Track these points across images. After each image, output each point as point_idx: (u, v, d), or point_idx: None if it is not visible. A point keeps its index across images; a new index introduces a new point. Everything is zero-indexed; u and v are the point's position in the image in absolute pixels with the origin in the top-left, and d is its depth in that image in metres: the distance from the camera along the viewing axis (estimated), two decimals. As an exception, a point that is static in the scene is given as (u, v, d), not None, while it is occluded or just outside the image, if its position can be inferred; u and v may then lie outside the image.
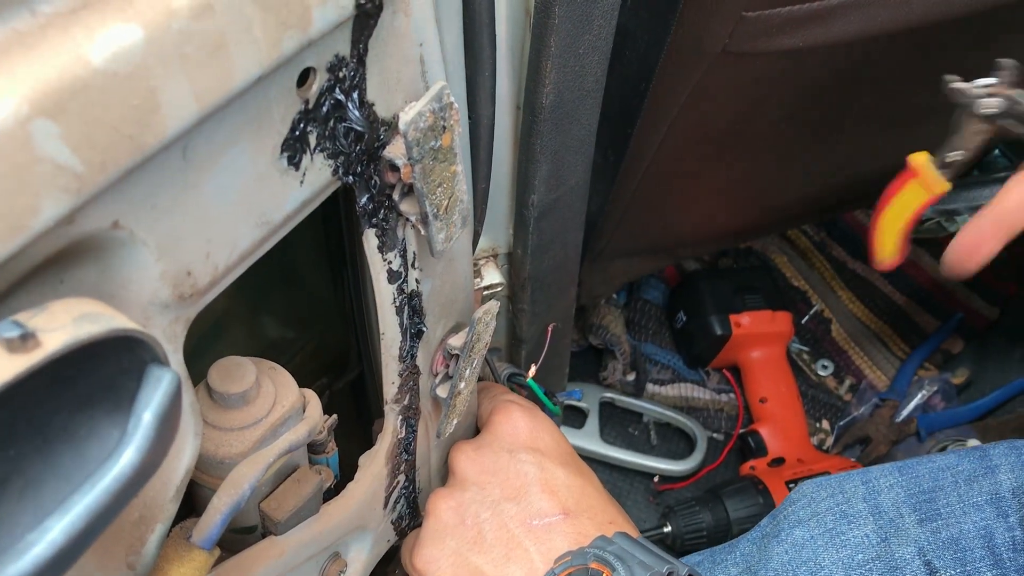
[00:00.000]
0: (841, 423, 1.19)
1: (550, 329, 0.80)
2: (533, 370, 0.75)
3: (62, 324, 0.28)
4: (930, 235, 1.02)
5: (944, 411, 1.17)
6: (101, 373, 0.31)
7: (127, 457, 0.30)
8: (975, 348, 1.24)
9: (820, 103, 0.80)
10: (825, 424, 1.20)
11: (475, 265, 0.76)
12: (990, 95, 0.56)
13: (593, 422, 1.16)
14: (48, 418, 0.31)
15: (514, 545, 0.60)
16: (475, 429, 0.71)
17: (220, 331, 0.59)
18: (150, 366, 0.31)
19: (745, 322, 1.16)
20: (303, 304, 0.69)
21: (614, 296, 1.23)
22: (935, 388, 1.18)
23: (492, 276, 0.76)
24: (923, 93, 0.83)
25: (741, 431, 1.16)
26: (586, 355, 1.22)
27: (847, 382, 1.23)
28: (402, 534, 0.67)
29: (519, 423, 0.66)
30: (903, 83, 0.80)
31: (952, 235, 1.11)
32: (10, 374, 0.26)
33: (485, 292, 0.76)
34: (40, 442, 0.31)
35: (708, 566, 0.66)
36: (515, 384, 0.78)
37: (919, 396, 1.18)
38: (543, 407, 0.74)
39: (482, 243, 0.75)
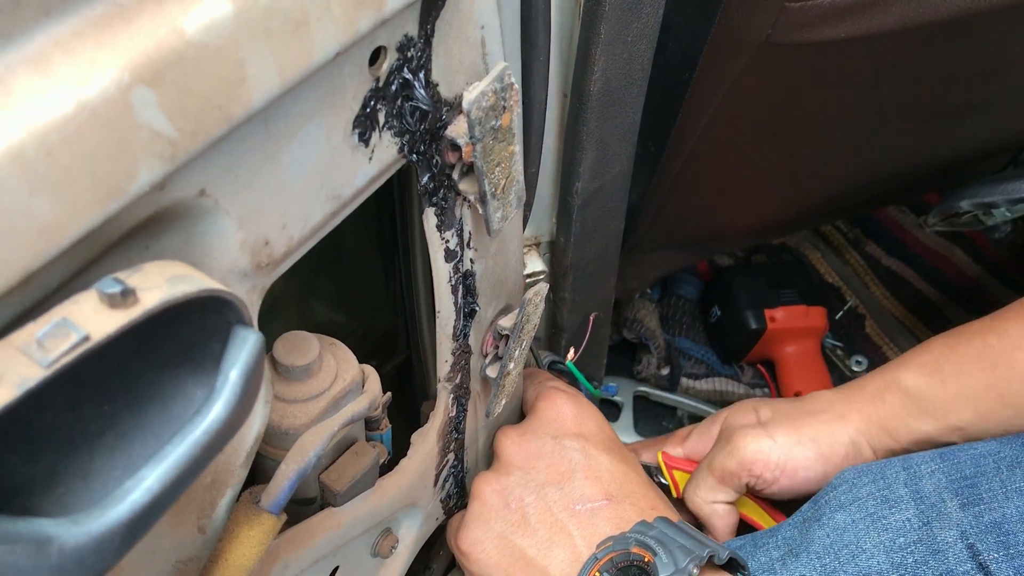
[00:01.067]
0: (875, 418, 1.18)
1: (592, 318, 0.81)
2: (572, 353, 0.76)
3: (157, 284, 0.30)
4: (967, 228, 1.03)
5: (978, 408, 1.16)
6: (186, 334, 0.33)
7: (216, 412, 0.31)
8: (1010, 345, 1.23)
9: (860, 96, 0.81)
10: (859, 419, 1.20)
11: (518, 252, 0.77)
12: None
13: (627, 415, 1.16)
14: (137, 376, 0.32)
15: (558, 529, 0.61)
16: (520, 413, 0.72)
17: (274, 313, 0.61)
18: (235, 327, 0.32)
19: (780, 317, 1.16)
20: (354, 288, 0.71)
21: (648, 291, 1.23)
22: (969, 384, 1.17)
23: (535, 264, 0.77)
24: (964, 87, 0.83)
25: (775, 425, 1.16)
26: (620, 349, 1.23)
27: (881, 378, 1.23)
28: (449, 513, 0.68)
29: (564, 409, 0.67)
30: (944, 77, 0.80)
31: (988, 228, 1.12)
32: (112, 328, 0.28)
33: (528, 280, 0.77)
34: (130, 399, 0.32)
35: (750, 549, 0.67)
36: (555, 370, 0.79)
37: (953, 392, 1.17)
38: (582, 388, 0.75)
39: (525, 232, 0.76)
